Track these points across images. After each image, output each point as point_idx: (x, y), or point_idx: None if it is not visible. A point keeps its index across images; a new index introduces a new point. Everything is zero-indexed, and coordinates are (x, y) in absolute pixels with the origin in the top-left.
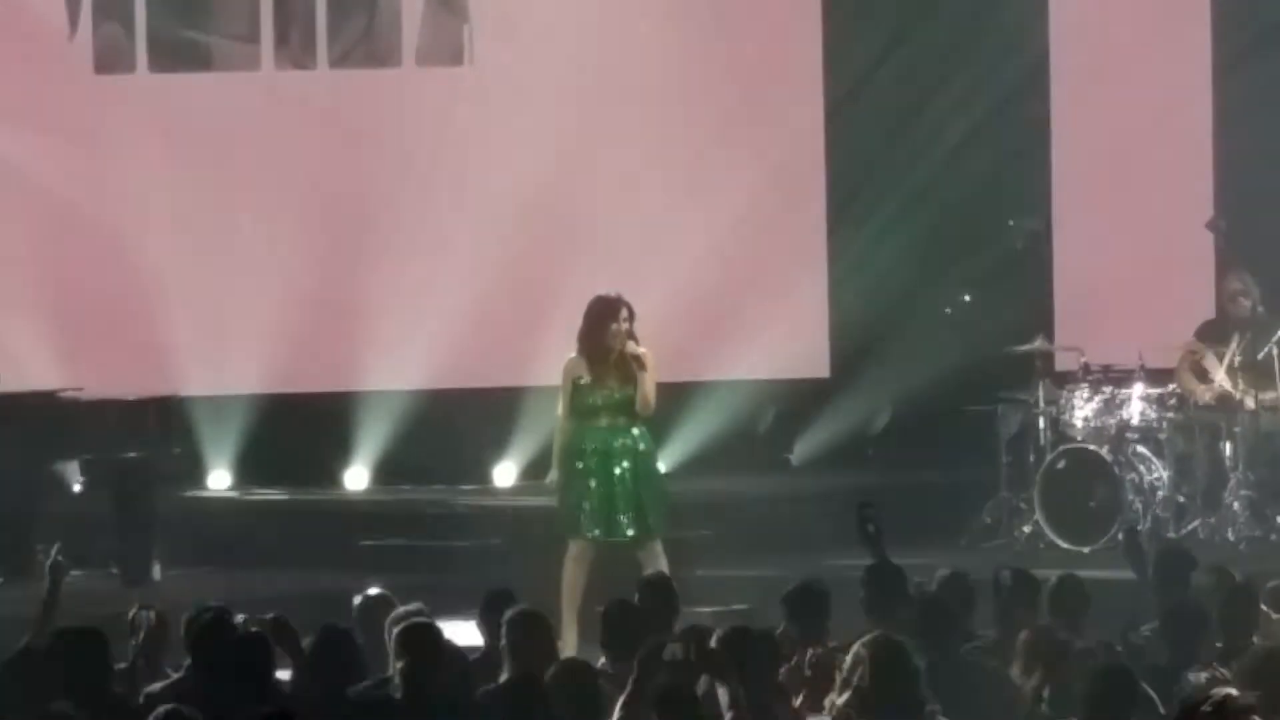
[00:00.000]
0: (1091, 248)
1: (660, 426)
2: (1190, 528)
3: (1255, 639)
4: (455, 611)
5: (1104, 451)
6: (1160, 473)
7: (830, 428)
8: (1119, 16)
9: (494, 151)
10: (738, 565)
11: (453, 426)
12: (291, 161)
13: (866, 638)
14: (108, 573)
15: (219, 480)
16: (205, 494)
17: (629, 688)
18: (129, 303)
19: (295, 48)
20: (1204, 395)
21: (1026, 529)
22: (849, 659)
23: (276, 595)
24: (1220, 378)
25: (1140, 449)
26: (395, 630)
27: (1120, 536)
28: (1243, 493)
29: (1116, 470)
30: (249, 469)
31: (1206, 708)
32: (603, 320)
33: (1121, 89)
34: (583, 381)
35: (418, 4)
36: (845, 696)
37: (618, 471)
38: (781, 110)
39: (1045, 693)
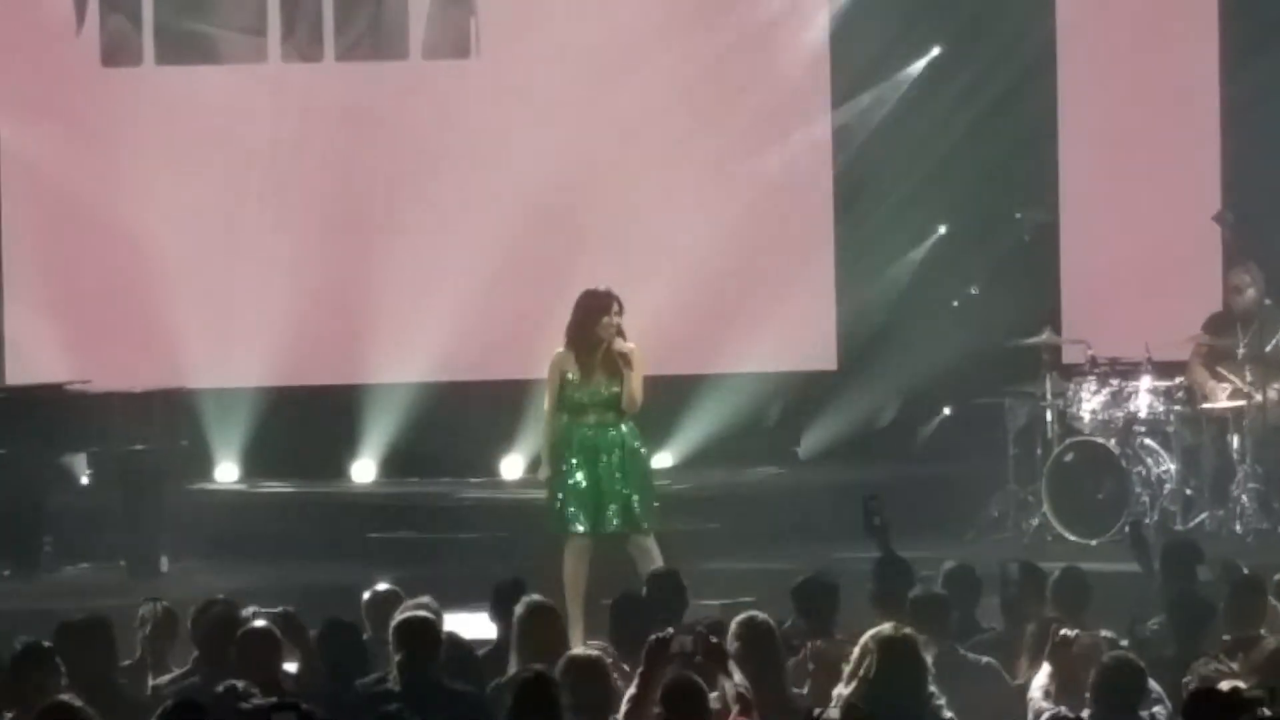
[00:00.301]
0: (1099, 240)
1: (667, 419)
2: (1198, 520)
3: (1263, 631)
4: (462, 604)
5: (1111, 444)
6: (1168, 465)
7: (838, 420)
8: (1126, 8)
9: (501, 144)
10: (745, 558)
11: (460, 419)
12: (298, 154)
13: (874, 630)
14: (115, 565)
15: (226, 473)
16: (213, 487)
17: (636, 680)
18: (136, 295)
19: (302, 40)
20: (1218, 395)
21: (1034, 522)
22: (857, 651)
23: (284, 588)
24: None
25: (1148, 441)
26: (393, 623)
27: (1126, 529)
28: (1250, 485)
29: (1124, 463)
30: (256, 462)
31: (1214, 700)
32: (592, 314)
33: (1128, 81)
34: (571, 378)
35: None
36: (852, 688)
37: (604, 466)
38: (789, 103)
39: (1052, 686)
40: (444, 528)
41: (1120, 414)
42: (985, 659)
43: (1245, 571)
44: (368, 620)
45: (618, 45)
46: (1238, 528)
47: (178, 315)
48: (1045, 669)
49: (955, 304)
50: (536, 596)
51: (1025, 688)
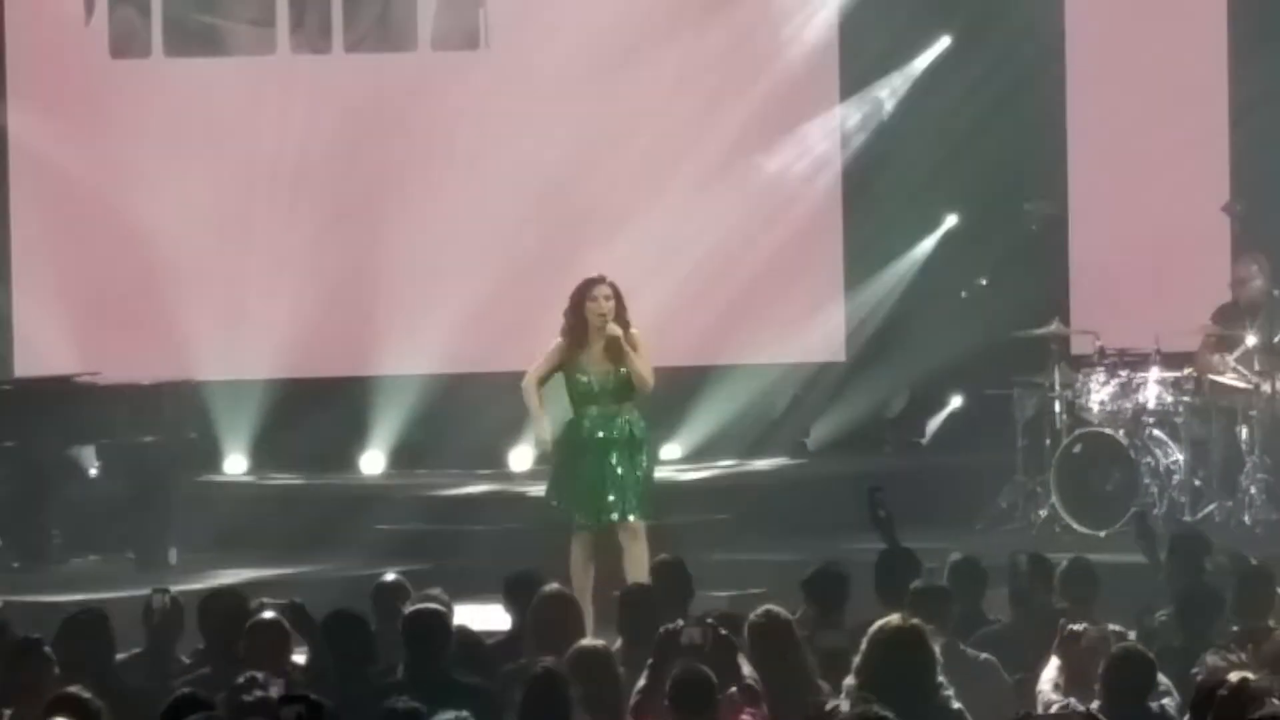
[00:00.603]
0: (1107, 231)
1: (676, 411)
2: (1206, 511)
3: (1271, 622)
4: (472, 595)
5: (1120, 435)
6: (1176, 456)
7: (846, 411)
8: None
9: (509, 136)
10: (754, 549)
11: (469, 411)
12: (306, 146)
13: (883, 620)
14: (124, 557)
15: (235, 465)
16: (221, 478)
17: (646, 672)
18: (145, 288)
19: (310, 32)
20: (1222, 370)
21: (1042, 513)
22: (865, 642)
23: (292, 580)
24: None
25: (1156, 433)
26: (403, 615)
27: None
28: (1259, 476)
29: (1132, 454)
30: (265, 453)
31: (1223, 691)
32: (577, 300)
33: (1137, 72)
34: (579, 375)
35: None
36: (862, 679)
37: (606, 457)
38: (798, 95)
39: (1061, 679)
40: (452, 519)
41: (1129, 405)
42: (984, 655)
43: (1254, 562)
44: (375, 611)
45: (626, 36)
46: (1246, 519)
47: (186, 307)
48: (1054, 662)
49: (964, 295)
50: (554, 585)
51: (1024, 683)
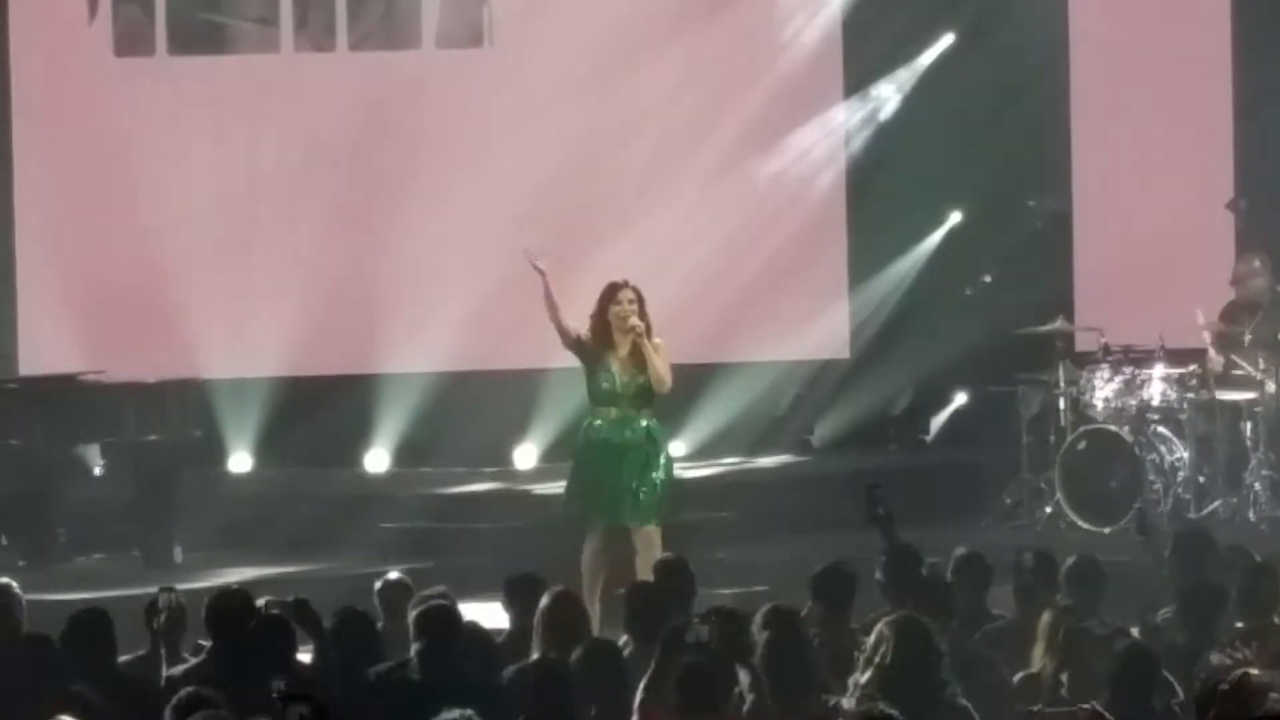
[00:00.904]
0: (1112, 228)
1: (681, 408)
2: (1211, 508)
3: (1276, 619)
4: (475, 593)
5: (1124, 432)
6: (1181, 453)
7: (851, 409)
8: None
9: (514, 133)
10: (758, 547)
11: (473, 408)
12: (310, 144)
13: (890, 617)
14: (129, 555)
15: (240, 463)
16: (226, 476)
17: (651, 669)
18: (149, 286)
19: (315, 30)
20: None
21: (1047, 510)
22: (872, 638)
23: (297, 578)
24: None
25: (1161, 429)
26: (414, 612)
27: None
28: (1264, 473)
29: (1137, 451)
30: (270, 451)
31: (1224, 686)
32: (602, 304)
33: (1141, 69)
34: (604, 376)
35: None
36: (868, 675)
37: (622, 461)
38: (801, 92)
39: (1065, 675)
40: (456, 517)
41: (1133, 402)
42: (988, 652)
43: (1258, 559)
44: (380, 609)
45: (630, 34)
46: (1251, 515)
47: (191, 305)
48: (1059, 659)
49: (968, 292)
50: (560, 586)
51: (1026, 682)
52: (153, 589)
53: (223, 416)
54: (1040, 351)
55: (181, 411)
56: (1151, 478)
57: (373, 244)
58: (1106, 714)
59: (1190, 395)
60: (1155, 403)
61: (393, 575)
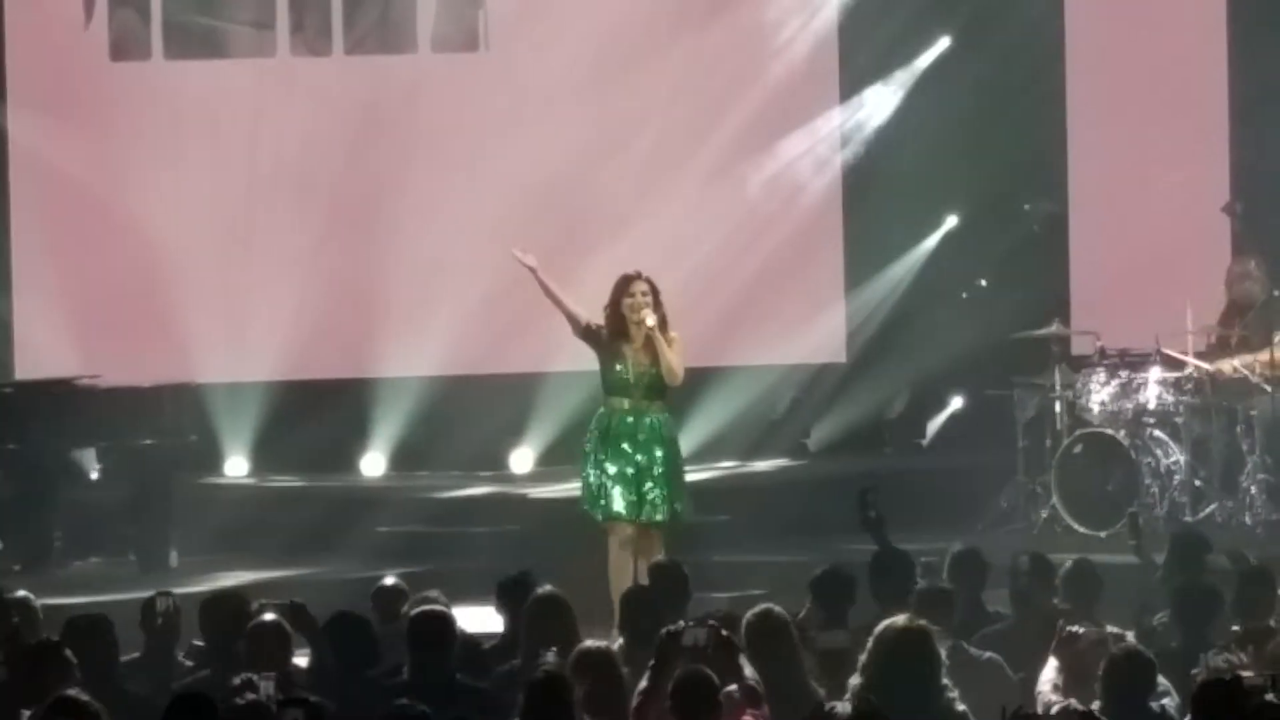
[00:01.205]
0: (1108, 232)
1: (677, 411)
2: (1207, 511)
3: (1272, 623)
4: (472, 597)
5: (1120, 435)
6: (1177, 456)
7: (847, 412)
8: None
9: (510, 137)
10: (755, 550)
11: (469, 412)
12: (306, 148)
13: (888, 621)
14: (125, 559)
15: (236, 467)
16: (222, 481)
17: (648, 673)
18: (145, 290)
19: (310, 34)
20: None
21: (1043, 513)
22: (871, 641)
23: (292, 582)
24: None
25: (1157, 433)
26: (408, 617)
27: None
28: (1260, 476)
29: (1133, 454)
30: (265, 456)
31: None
32: (615, 297)
33: (1137, 71)
34: (618, 366)
35: None
36: (865, 678)
37: (642, 453)
38: (797, 96)
39: (1061, 679)
40: (453, 521)
41: (1129, 405)
42: (987, 654)
43: (1254, 562)
44: (375, 613)
45: (626, 38)
46: (1247, 519)
47: (187, 310)
48: (1053, 662)
49: (964, 296)
50: (547, 587)
51: (1028, 683)
52: (148, 593)
53: (219, 421)
54: (1036, 355)
55: (177, 415)
56: (1148, 481)
57: (368, 248)
58: (1101, 718)
59: (1186, 399)
60: (1151, 406)
61: (388, 580)
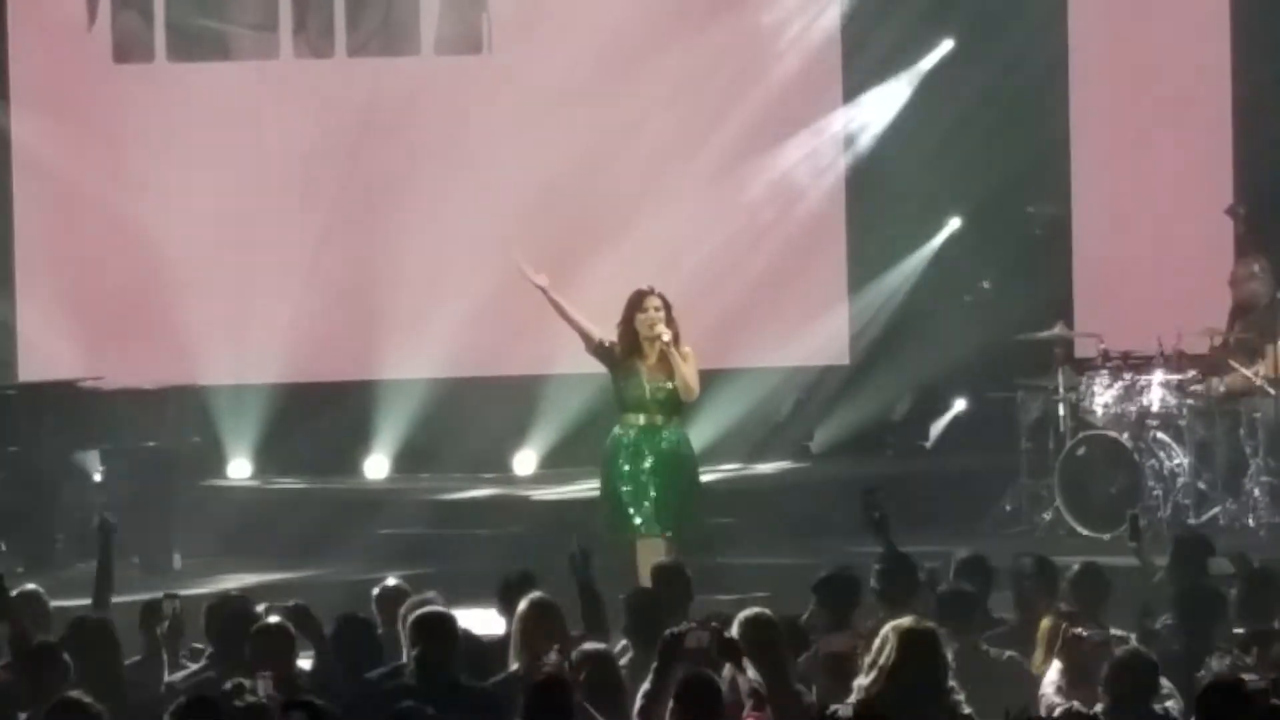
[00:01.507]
0: (1111, 234)
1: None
2: (1211, 514)
3: (1276, 625)
4: (474, 599)
5: (1124, 438)
6: (1181, 459)
7: (850, 415)
8: (1139, 2)
9: (513, 140)
10: (758, 553)
11: (472, 415)
12: (310, 150)
13: (895, 622)
14: (128, 562)
15: (239, 469)
16: (225, 483)
17: (651, 675)
18: (149, 292)
19: (313, 36)
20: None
21: (1047, 516)
22: (877, 642)
23: (295, 584)
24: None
25: (1160, 435)
26: (409, 618)
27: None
28: (1263, 479)
29: (1137, 457)
30: (269, 458)
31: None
32: (629, 312)
33: (1141, 74)
34: (633, 381)
35: None
36: (870, 679)
37: (651, 468)
38: (800, 98)
39: (1064, 682)
40: (456, 523)
41: (1133, 408)
42: (1008, 653)
43: (1256, 565)
44: (376, 615)
45: (629, 40)
46: (1251, 521)
47: (190, 312)
48: (1056, 665)
49: (967, 298)
50: (537, 593)
51: (1026, 688)
52: (150, 595)
53: (222, 423)
54: (1040, 357)
55: (180, 418)
56: (1151, 484)
57: (372, 250)
58: None
59: (1190, 401)
60: (1155, 408)
61: (390, 581)
